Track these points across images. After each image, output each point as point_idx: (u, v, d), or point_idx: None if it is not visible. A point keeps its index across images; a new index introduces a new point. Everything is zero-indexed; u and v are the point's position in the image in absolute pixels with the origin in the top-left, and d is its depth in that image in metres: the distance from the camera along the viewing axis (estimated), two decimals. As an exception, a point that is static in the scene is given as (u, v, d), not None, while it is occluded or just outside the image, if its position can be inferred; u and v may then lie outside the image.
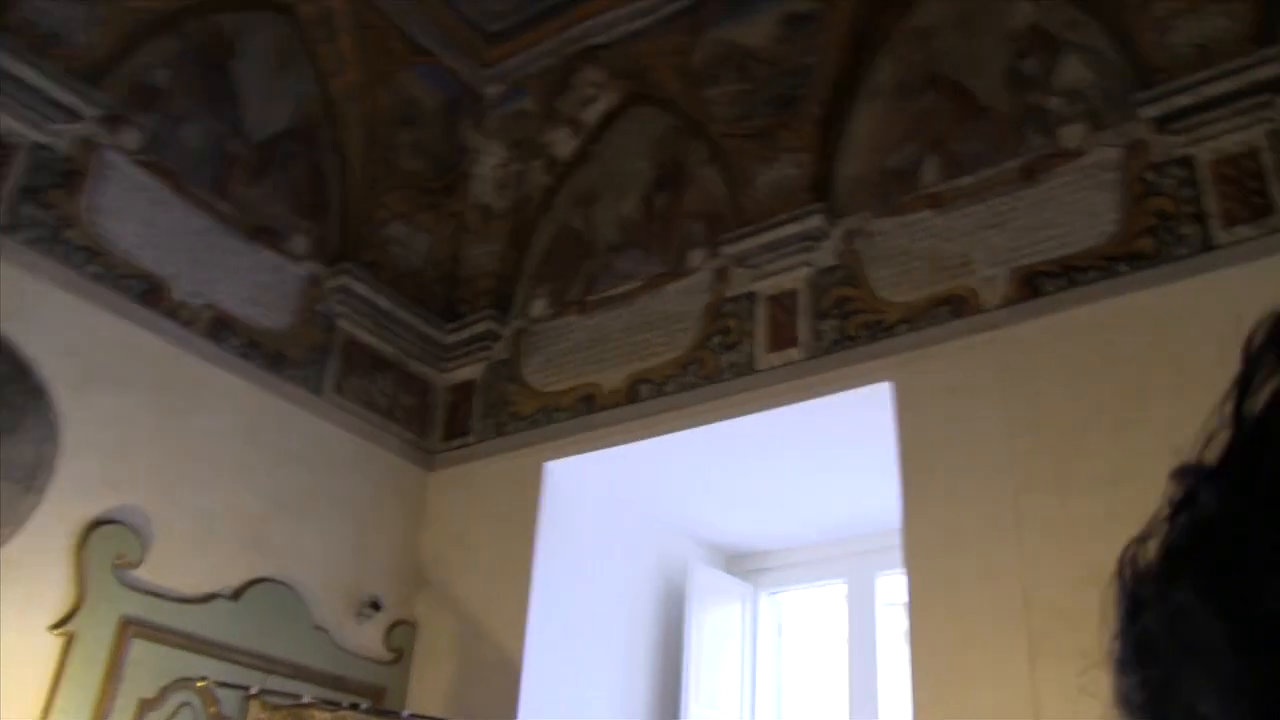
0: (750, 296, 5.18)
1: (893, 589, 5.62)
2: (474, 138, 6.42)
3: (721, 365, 5.11)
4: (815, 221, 5.04)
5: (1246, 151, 4.14)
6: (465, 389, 6.06)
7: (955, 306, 4.55)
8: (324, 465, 5.39)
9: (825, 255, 5.02)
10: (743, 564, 6.30)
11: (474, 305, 6.17)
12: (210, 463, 4.89)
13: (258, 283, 5.34)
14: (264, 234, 5.43)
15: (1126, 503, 3.80)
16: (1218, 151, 4.19)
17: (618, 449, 5.32)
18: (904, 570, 4.27)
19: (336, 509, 5.39)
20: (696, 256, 5.47)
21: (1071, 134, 4.55)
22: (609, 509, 5.79)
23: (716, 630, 5.88)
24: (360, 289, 5.75)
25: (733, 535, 6.17)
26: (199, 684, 4.40)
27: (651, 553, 5.99)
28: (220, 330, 5.09)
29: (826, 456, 5.22)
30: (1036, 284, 4.37)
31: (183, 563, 4.65)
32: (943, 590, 4.12)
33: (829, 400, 4.75)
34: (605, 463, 5.43)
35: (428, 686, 5.31)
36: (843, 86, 5.25)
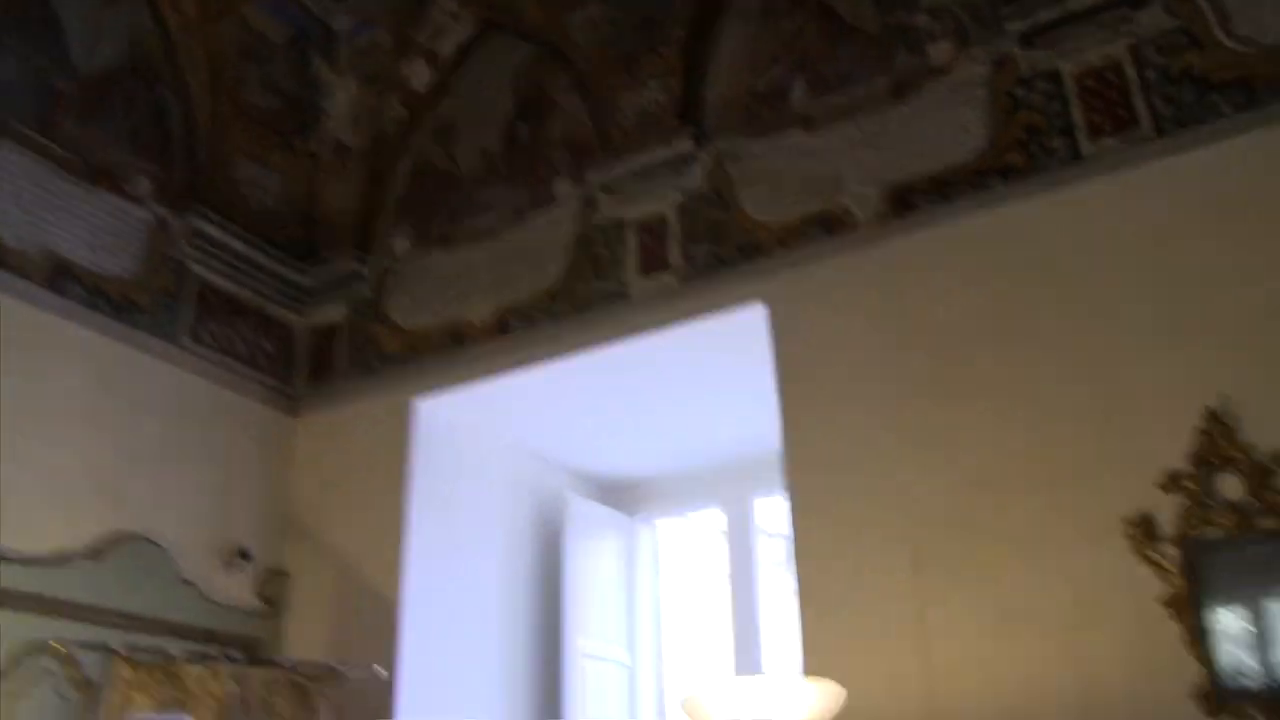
0: (620, 223, 5.04)
1: (771, 512, 5.58)
2: (325, 73, 6.09)
3: (592, 294, 4.97)
4: (684, 145, 4.90)
5: (1109, 64, 4.14)
6: (329, 331, 5.80)
7: (829, 225, 4.47)
8: (183, 415, 5.09)
9: (695, 179, 4.89)
10: (620, 494, 6.19)
11: (334, 245, 5.89)
12: (60, 417, 4.56)
13: (99, 228, 4.98)
14: (101, 176, 5.05)
15: (1006, 410, 3.82)
16: (1082, 65, 4.18)
17: (489, 383, 5.15)
18: (785, 489, 4.20)
19: (199, 460, 5.10)
20: (563, 186, 5.30)
21: (939, 51, 4.49)
22: (482, 444, 5.61)
23: (595, 561, 5.78)
24: (212, 232, 5.42)
25: (609, 465, 6.05)
26: (55, 647, 4.10)
27: (527, 486, 5.84)
28: (61, 278, 4.73)
29: (702, 382, 5.12)
30: (909, 200, 4.32)
31: (35, 522, 4.33)
32: (825, 506, 4.07)
33: (703, 324, 4.65)
34: (476, 398, 5.26)
35: (304, 635, 5.09)
36: (708, 8, 5.11)
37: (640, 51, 5.15)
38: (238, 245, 5.52)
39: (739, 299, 4.53)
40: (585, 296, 4.98)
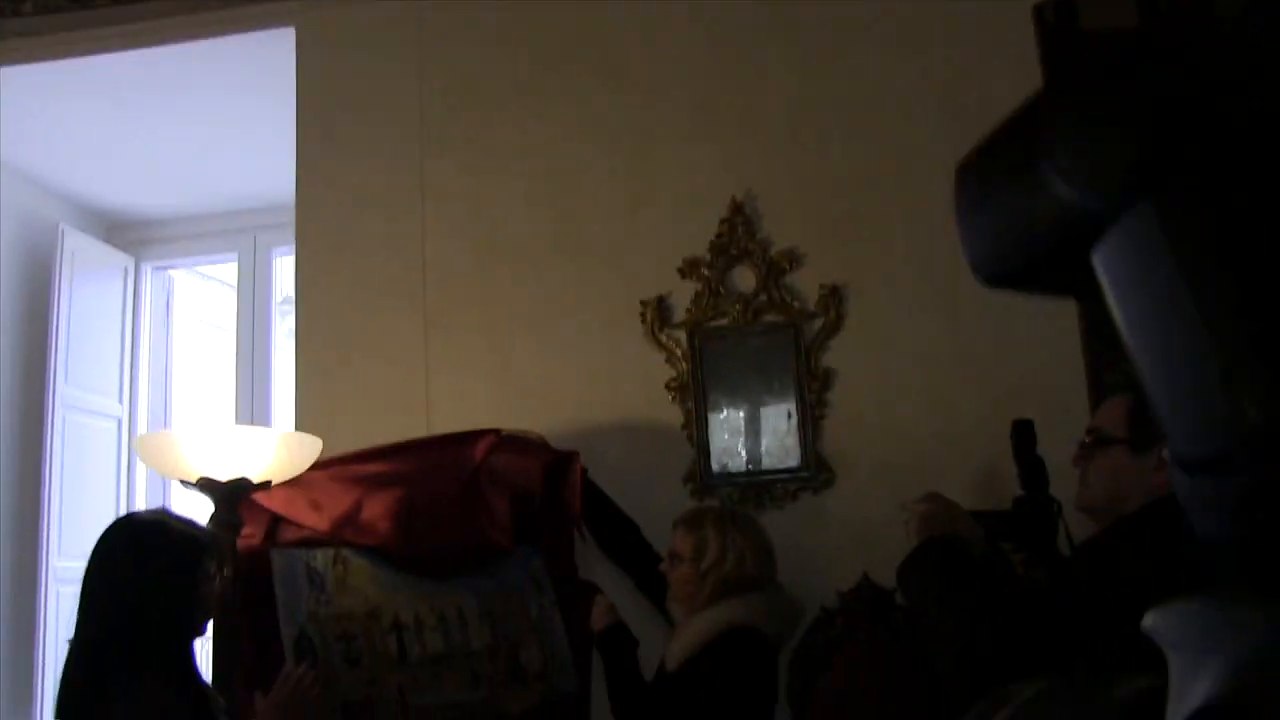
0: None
1: (290, 270, 4.81)
2: None
3: (104, -11, 3.86)
4: None
5: None
6: None
7: (377, -43, 3.67)
8: None
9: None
10: (126, 234, 5.10)
11: None
12: None
13: None
14: None
15: (531, 179, 3.38)
16: None
17: (-35, 79, 3.93)
18: (296, 238, 3.49)
19: None
20: None
21: None
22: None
23: (92, 306, 4.74)
24: None
25: (115, 199, 4.93)
26: None
27: (14, 213, 4.64)
28: None
29: (224, 113, 4.20)
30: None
31: None
32: (334, 258, 3.45)
33: (226, 42, 3.72)
34: (-51, 95, 4.02)
35: None
36: None
37: None
38: None
39: (266, 19, 3.65)
40: (94, -10, 3.87)
